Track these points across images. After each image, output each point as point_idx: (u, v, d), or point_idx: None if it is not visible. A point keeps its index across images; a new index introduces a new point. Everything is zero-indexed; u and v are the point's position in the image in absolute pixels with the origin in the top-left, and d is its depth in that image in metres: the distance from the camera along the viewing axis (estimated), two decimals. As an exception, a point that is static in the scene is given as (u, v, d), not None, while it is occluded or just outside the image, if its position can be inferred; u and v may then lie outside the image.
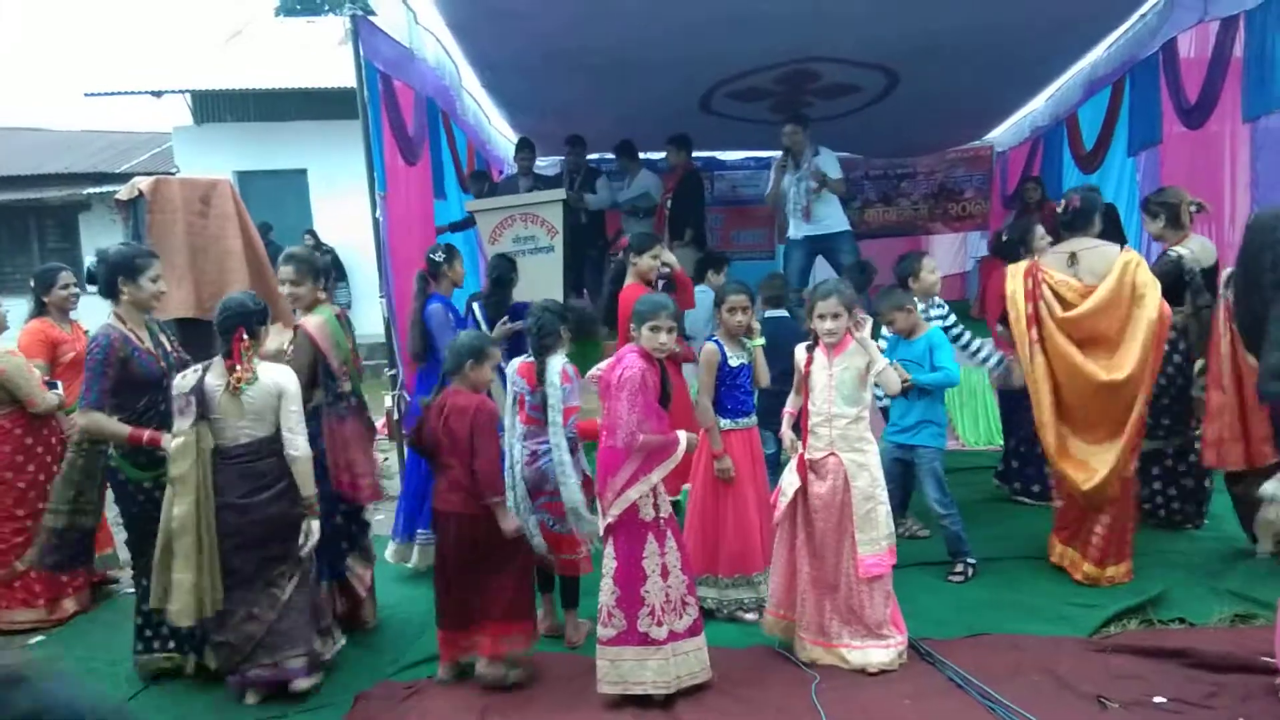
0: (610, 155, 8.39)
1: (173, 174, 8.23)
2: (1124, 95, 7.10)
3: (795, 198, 7.24)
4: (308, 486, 3.51)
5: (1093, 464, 4.11)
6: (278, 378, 3.49)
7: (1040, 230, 4.90)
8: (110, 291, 3.68)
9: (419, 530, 4.65)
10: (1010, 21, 6.16)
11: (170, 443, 3.40)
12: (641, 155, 8.13)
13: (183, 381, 3.45)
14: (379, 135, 5.56)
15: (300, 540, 3.51)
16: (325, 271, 4.12)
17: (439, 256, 4.91)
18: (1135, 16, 6.58)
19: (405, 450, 4.84)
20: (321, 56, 13.66)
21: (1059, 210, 4.41)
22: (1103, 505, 4.16)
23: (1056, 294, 4.17)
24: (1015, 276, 4.31)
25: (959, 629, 3.80)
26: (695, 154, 10.22)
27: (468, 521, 3.46)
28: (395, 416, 6.06)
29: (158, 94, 13.86)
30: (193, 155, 13.54)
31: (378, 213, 5.42)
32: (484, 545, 3.47)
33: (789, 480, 3.63)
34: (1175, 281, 4.60)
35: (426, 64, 6.35)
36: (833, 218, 7.31)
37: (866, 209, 10.43)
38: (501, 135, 8.76)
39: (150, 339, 3.75)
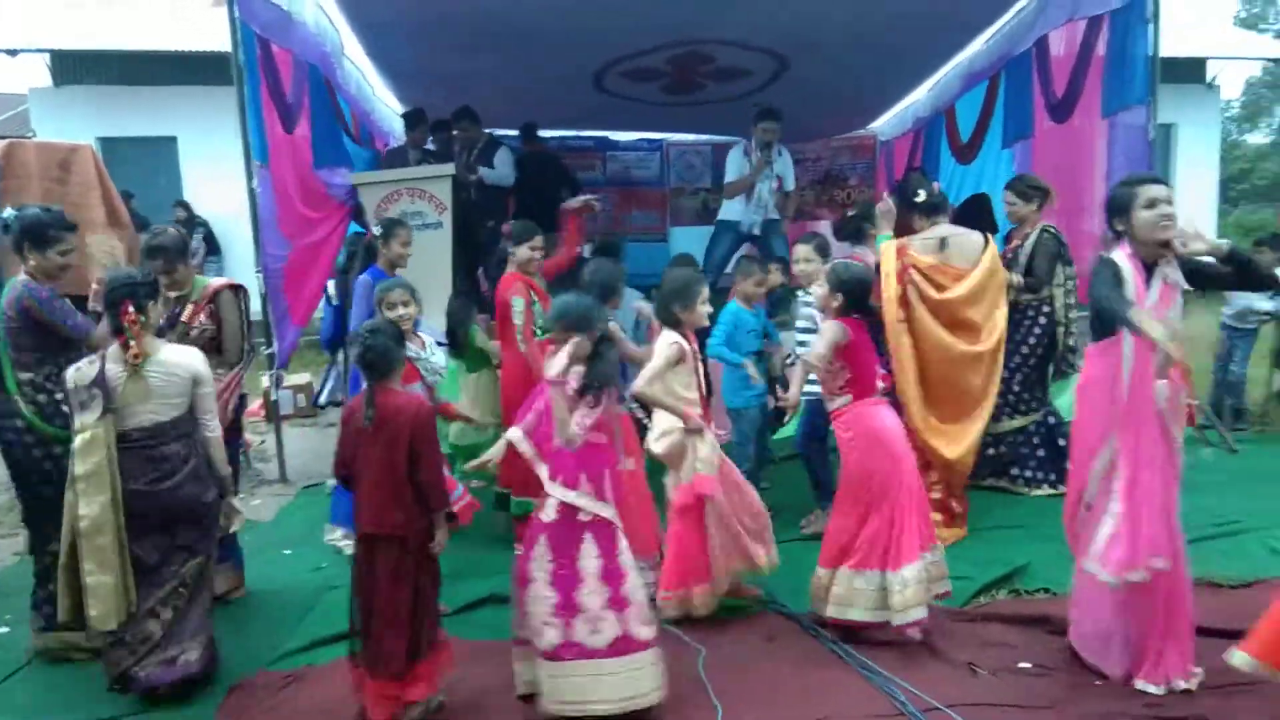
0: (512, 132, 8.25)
1: (28, 138, 7.68)
2: (999, 89, 7.41)
3: (761, 191, 7.28)
4: (224, 466, 3.42)
5: (957, 436, 4.43)
6: (189, 361, 3.34)
7: (882, 210, 5.08)
8: (17, 251, 3.54)
9: None
10: (893, 13, 6.34)
11: (76, 440, 3.17)
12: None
13: (80, 374, 3.22)
14: (256, 102, 5.32)
15: (223, 523, 3.39)
16: (186, 246, 4.01)
17: (376, 231, 4.79)
18: (1011, 13, 6.86)
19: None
20: (195, 18, 12.95)
21: (920, 197, 4.60)
22: (964, 474, 4.53)
23: (928, 277, 4.40)
24: (889, 256, 4.46)
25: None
26: (588, 132, 10.23)
27: (399, 545, 3.01)
28: (273, 398, 5.85)
29: (12, 52, 12.86)
30: (51, 119, 12.62)
31: (255, 183, 5.19)
32: (416, 571, 3.05)
33: (712, 457, 3.70)
34: (1053, 258, 4.89)
35: (306, 28, 6.10)
36: (770, 206, 7.45)
37: (755, 193, 10.58)
38: (386, 106, 8.50)
39: None
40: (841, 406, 3.63)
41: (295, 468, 6.19)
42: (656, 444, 3.82)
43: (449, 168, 6.26)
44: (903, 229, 4.64)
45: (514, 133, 8.42)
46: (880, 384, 3.70)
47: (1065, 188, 5.55)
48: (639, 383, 3.67)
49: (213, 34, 8.91)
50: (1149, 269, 3.05)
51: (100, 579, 3.11)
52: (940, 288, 4.41)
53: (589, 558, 3.03)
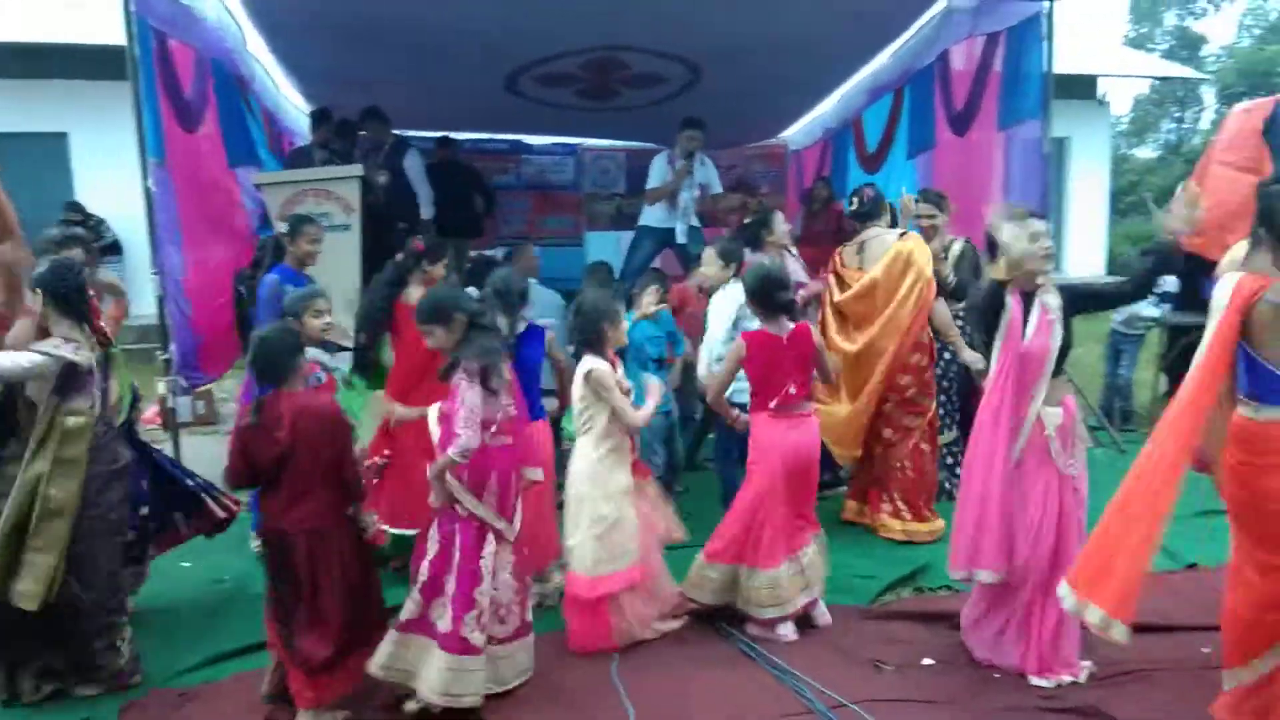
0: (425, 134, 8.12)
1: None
2: (903, 102, 7.62)
3: (685, 199, 7.25)
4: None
5: (836, 417, 4.69)
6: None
7: (780, 217, 5.24)
8: None
9: None
10: (802, 26, 6.46)
11: (69, 421, 3.23)
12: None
13: (84, 356, 3.23)
14: (152, 98, 5.12)
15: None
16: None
17: (282, 228, 4.63)
18: (914, 28, 7.07)
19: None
20: (88, 10, 12.38)
21: (852, 204, 4.76)
22: (850, 457, 4.85)
23: (840, 279, 4.73)
24: (831, 261, 4.83)
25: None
26: (502, 135, 10.15)
27: (320, 538, 3.03)
28: (169, 405, 5.63)
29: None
30: (-72, 113, 11.93)
31: (150, 182, 4.99)
32: (345, 562, 3.07)
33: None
34: (977, 269, 5.11)
35: (207, 24, 5.90)
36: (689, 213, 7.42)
37: (670, 199, 10.65)
38: (292, 105, 8.28)
39: None
40: (757, 414, 3.74)
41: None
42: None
43: (356, 169, 6.12)
44: (812, 235, 4.78)
45: (427, 134, 8.31)
46: (792, 392, 3.67)
47: (964, 198, 5.74)
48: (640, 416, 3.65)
49: (108, 26, 8.55)
50: (1028, 297, 3.18)
51: (44, 558, 3.15)
52: (845, 289, 4.73)
53: (458, 548, 3.10)
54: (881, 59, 7.74)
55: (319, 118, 7.28)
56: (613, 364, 3.68)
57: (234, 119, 6.32)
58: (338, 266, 5.23)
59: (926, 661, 3.41)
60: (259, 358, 3.06)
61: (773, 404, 3.65)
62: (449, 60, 6.92)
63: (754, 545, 3.63)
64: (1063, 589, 2.80)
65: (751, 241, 5.10)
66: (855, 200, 4.87)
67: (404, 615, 3.10)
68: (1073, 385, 3.60)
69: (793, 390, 3.66)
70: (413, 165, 7.40)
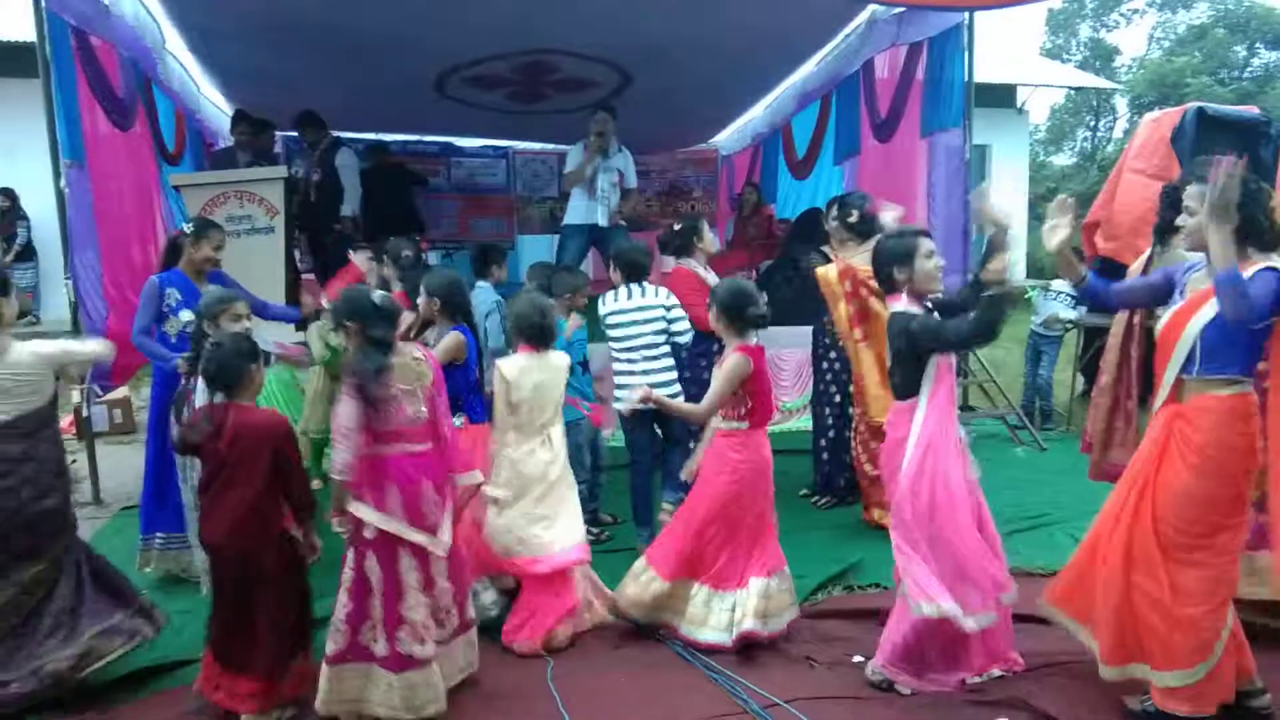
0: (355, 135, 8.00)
1: None
2: (831, 109, 7.77)
3: (602, 184, 7.17)
4: None
5: None
6: (36, 350, 3.17)
7: (706, 225, 5.24)
8: None
9: (157, 534, 4.25)
10: (729, 33, 6.54)
11: None
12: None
13: None
14: (71, 97, 4.95)
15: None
16: None
17: (187, 229, 4.39)
18: (840, 37, 7.21)
19: (147, 449, 4.33)
20: (3, 7, 11.87)
21: (851, 215, 4.72)
22: None
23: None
24: (831, 280, 4.65)
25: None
26: (431, 138, 10.06)
27: (253, 556, 2.99)
28: (85, 414, 5.45)
29: None
30: None
31: (63, 183, 4.82)
32: (270, 584, 3.02)
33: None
34: None
35: (125, 21, 5.72)
36: (612, 208, 7.34)
37: (602, 202, 10.67)
38: (213, 104, 8.08)
39: None
40: (736, 429, 3.63)
41: (110, 489, 5.76)
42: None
43: (280, 170, 6.01)
44: (744, 240, 4.77)
45: (356, 135, 8.20)
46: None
47: (891, 203, 5.86)
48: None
49: (22, 22, 8.21)
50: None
51: None
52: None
53: (373, 568, 3.02)
54: (809, 67, 7.88)
55: (236, 118, 7.13)
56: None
57: (152, 119, 6.14)
58: (261, 270, 5.12)
59: (857, 658, 3.46)
60: (213, 363, 3.01)
61: (757, 420, 3.62)
62: (376, 62, 6.84)
63: (711, 563, 3.61)
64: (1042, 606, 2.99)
65: (682, 249, 5.11)
66: (854, 212, 4.74)
67: (331, 648, 3.00)
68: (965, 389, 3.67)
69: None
70: (346, 164, 7.27)
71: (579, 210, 7.24)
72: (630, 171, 7.34)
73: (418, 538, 3.04)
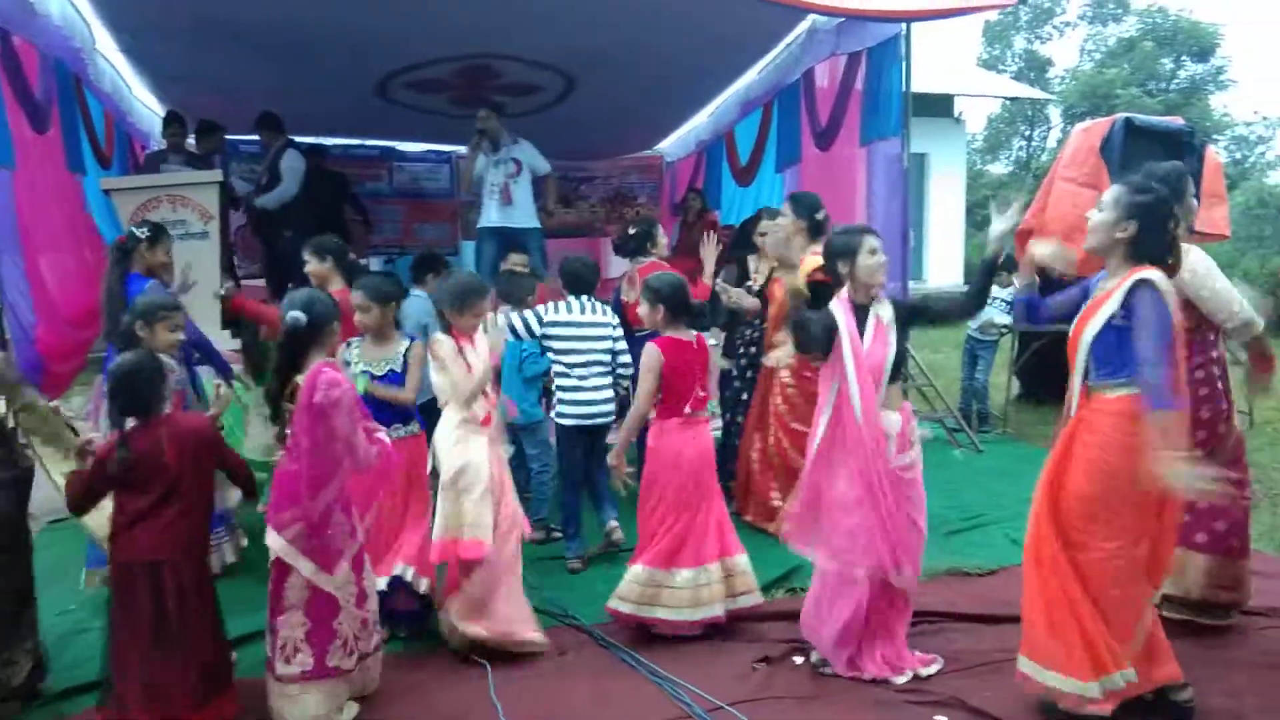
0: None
1: None
2: (772, 116, 7.85)
3: (493, 179, 7.03)
4: None
5: None
6: None
7: (661, 229, 5.30)
8: None
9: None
10: (671, 40, 6.58)
11: None
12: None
13: None
14: (-1, 99, 4.80)
15: None
16: None
17: (142, 234, 4.30)
18: (781, 45, 7.30)
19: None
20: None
21: (820, 215, 4.74)
22: None
23: None
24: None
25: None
26: (374, 142, 9.91)
27: (172, 570, 2.89)
28: (10, 425, 5.25)
29: None
30: None
31: (-13, 188, 4.66)
32: (199, 595, 2.96)
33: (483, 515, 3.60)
34: None
35: (51, 20, 5.54)
36: (527, 210, 7.14)
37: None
38: (145, 107, 7.88)
39: None
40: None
41: (36, 501, 5.56)
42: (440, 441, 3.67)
43: (215, 174, 5.87)
44: (689, 246, 4.77)
45: (296, 139, 8.04)
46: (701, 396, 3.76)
47: (830, 211, 5.94)
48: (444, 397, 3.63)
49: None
50: (862, 310, 3.33)
51: None
52: None
53: (295, 587, 3.03)
54: (751, 75, 7.96)
55: (169, 120, 6.96)
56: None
57: (71, 122, 5.95)
58: (196, 276, 4.99)
59: (798, 660, 3.50)
60: (121, 392, 2.90)
61: (686, 409, 3.71)
62: (315, 64, 6.74)
63: (674, 548, 3.67)
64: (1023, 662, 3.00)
65: (636, 252, 5.15)
66: (822, 214, 4.75)
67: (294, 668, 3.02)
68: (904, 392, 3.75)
69: (701, 394, 3.76)
70: (291, 165, 7.09)
71: (488, 212, 7.11)
72: (535, 159, 7.13)
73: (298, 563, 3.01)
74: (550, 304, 4.65)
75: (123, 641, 2.88)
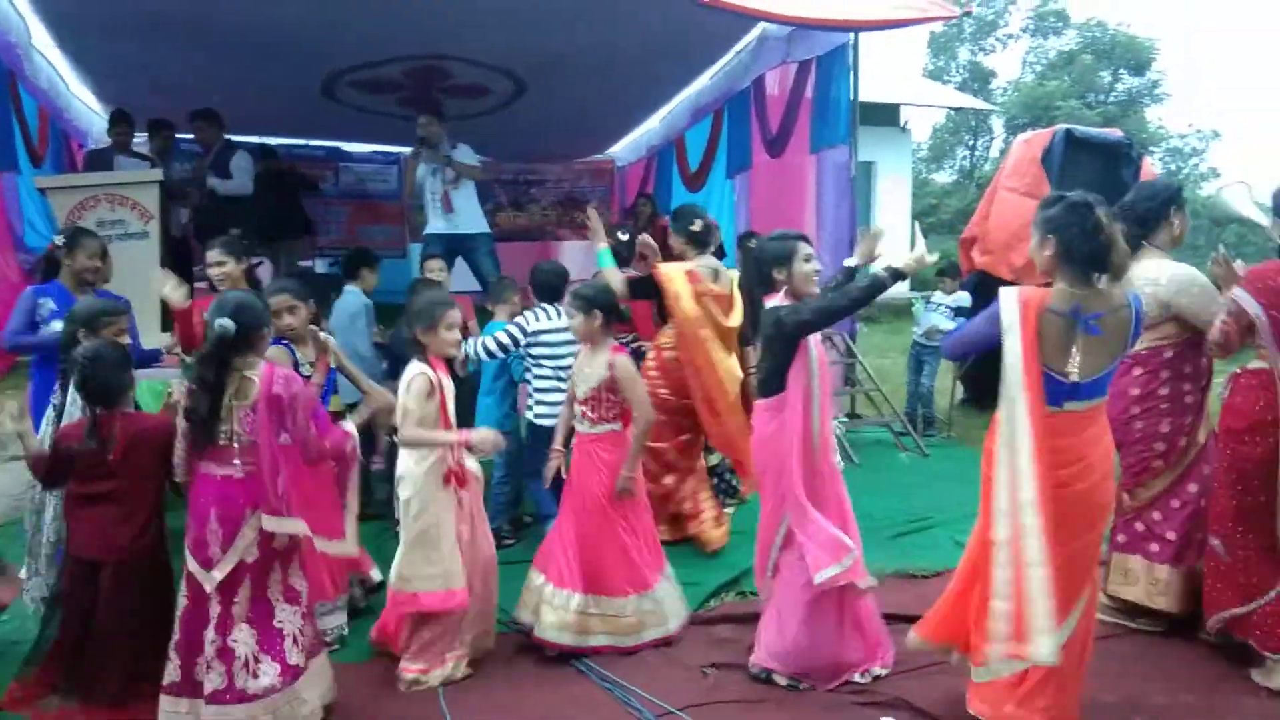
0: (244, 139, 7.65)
1: None
2: (723, 123, 7.91)
3: (433, 187, 6.97)
4: None
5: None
6: None
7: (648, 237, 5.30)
8: None
9: None
10: (623, 44, 6.59)
11: None
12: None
13: None
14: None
15: None
16: None
17: (59, 241, 4.17)
18: (732, 52, 7.35)
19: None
20: None
21: (695, 225, 4.71)
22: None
23: (716, 300, 4.52)
24: (679, 279, 4.50)
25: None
26: (320, 142, 9.77)
27: (114, 573, 2.88)
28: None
29: None
30: None
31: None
32: (140, 593, 2.93)
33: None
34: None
35: (-17, 15, 5.39)
36: (472, 216, 7.06)
37: (498, 212, 10.60)
38: (83, 104, 7.67)
39: None
40: (609, 431, 3.72)
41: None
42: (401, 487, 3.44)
43: (156, 173, 5.74)
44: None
45: (240, 139, 7.90)
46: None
47: (779, 218, 6.01)
48: (402, 432, 3.37)
49: None
50: None
51: None
52: (723, 311, 4.55)
53: (213, 603, 2.85)
54: (703, 80, 8.01)
55: (114, 118, 6.79)
56: (435, 369, 3.43)
57: (4, 118, 5.77)
58: (136, 278, 4.87)
59: (751, 663, 3.52)
60: (89, 379, 2.88)
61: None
62: (258, 62, 6.62)
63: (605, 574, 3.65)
64: (911, 638, 3.11)
65: (633, 259, 5.19)
66: (699, 222, 4.69)
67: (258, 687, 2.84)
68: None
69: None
70: (242, 166, 6.93)
71: (433, 220, 7.06)
72: (466, 159, 7.03)
73: (190, 564, 2.85)
74: (529, 314, 4.59)
75: (58, 625, 2.92)
